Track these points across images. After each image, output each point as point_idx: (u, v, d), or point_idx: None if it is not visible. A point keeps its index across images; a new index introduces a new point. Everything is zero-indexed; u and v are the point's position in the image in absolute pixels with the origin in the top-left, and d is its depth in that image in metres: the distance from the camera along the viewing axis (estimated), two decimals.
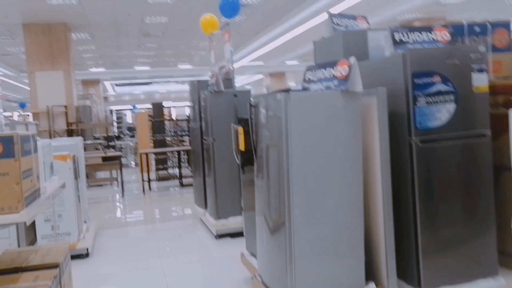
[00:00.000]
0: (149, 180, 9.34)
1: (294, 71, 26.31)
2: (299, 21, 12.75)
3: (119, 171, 8.84)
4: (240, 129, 3.66)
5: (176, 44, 15.31)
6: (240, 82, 28.72)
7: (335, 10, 12.05)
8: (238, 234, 5.17)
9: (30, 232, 4.83)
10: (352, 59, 2.77)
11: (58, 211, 4.71)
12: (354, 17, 3.95)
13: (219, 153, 5.23)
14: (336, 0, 10.79)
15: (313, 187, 2.83)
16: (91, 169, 8.85)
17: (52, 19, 10.60)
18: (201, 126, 5.82)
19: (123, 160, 14.21)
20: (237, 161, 3.93)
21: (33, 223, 4.72)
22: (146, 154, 9.44)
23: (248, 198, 3.95)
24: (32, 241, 4.95)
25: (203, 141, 5.67)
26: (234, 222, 5.22)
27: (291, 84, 31.15)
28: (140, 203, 8.34)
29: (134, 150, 16.00)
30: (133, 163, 15.48)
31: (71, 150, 5.30)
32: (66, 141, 5.47)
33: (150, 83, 28.58)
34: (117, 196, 8.97)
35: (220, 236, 5.30)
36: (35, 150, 2.63)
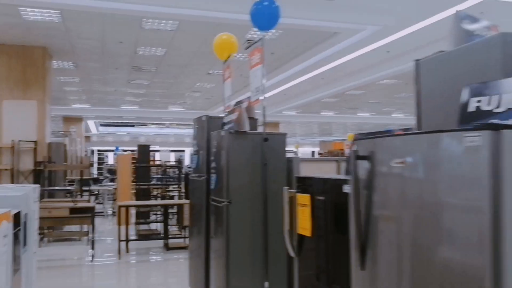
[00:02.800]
0: (127, 240, 7.50)
1: (289, 122, 25.01)
2: (310, 66, 11.47)
3: (91, 226, 7.04)
4: (303, 197, 2.04)
5: (169, 82, 13.88)
6: None
7: (348, 58, 10.79)
8: None
9: None
10: None
11: None
12: (487, 26, 2.46)
13: (237, 223, 3.56)
14: (348, 48, 9.55)
15: None
16: (56, 222, 7.04)
17: (29, 41, 9.08)
18: (208, 180, 4.17)
19: (99, 207, 12.33)
20: (290, 251, 2.27)
21: None
22: (126, 207, 7.65)
23: None
24: None
25: (211, 201, 4.00)
26: None
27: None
28: (112, 273, 6.49)
29: (112, 196, 14.11)
30: (110, 211, 13.55)
31: (17, 204, 3.59)
32: (11, 191, 3.75)
33: (146, 124, 26.90)
34: (85, 259, 7.09)
35: None
36: None
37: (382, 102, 17.76)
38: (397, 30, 8.62)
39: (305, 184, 2.13)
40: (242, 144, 3.62)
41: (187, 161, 33.55)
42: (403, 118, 22.57)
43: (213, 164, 3.95)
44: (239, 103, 4.72)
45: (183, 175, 11.42)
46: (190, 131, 29.44)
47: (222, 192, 3.65)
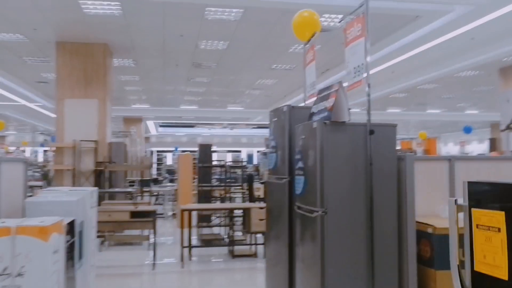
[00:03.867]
0: (189, 246, 6.97)
1: (352, 120, 23.83)
2: (381, 57, 10.49)
3: (152, 231, 6.56)
4: (492, 216, 1.27)
5: (230, 79, 13.37)
6: None
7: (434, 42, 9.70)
8: None
9: None
10: None
11: None
12: None
13: (334, 238, 2.83)
14: (428, 35, 8.53)
15: None
16: (116, 226, 6.61)
17: (90, 37, 8.82)
18: (290, 182, 3.46)
19: (159, 209, 12.00)
20: None
21: None
22: (189, 211, 7.11)
23: None
24: None
25: (297, 209, 3.29)
26: None
27: None
28: (175, 282, 5.96)
29: (173, 197, 13.79)
30: (170, 213, 13.22)
31: (72, 211, 3.06)
32: (65, 195, 3.23)
33: (207, 124, 26.83)
34: (146, 266, 6.62)
35: None
36: None
37: (456, 97, 16.35)
38: (489, 11, 7.53)
39: (488, 194, 1.35)
40: (340, 138, 2.88)
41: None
42: (477, 115, 20.85)
43: (299, 164, 3.23)
44: (322, 91, 4.00)
45: (245, 176, 10.83)
46: (248, 131, 29.11)
47: (314, 199, 2.92)
